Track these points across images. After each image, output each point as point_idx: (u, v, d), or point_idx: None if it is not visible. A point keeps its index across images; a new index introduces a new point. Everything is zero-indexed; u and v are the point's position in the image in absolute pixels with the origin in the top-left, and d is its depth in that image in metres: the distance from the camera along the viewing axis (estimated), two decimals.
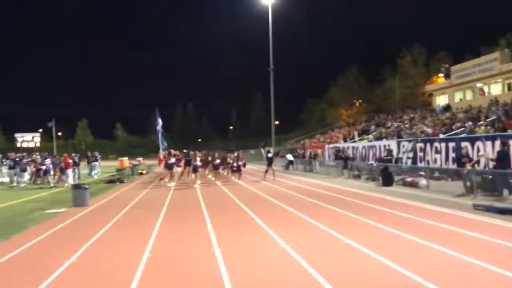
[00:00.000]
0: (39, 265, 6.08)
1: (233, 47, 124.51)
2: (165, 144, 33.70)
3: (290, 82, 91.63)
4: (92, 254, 6.69)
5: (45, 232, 8.53)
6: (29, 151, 61.66)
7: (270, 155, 22.21)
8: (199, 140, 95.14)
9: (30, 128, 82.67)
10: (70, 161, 21.80)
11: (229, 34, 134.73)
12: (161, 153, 30.84)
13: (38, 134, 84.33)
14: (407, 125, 27.80)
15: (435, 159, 18.79)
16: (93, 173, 28.13)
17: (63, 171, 20.89)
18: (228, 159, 22.73)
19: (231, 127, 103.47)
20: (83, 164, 29.06)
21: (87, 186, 13.09)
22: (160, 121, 33.18)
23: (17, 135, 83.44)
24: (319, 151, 32.28)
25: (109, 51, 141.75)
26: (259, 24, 47.88)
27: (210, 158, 22.84)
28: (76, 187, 13.10)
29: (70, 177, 21.09)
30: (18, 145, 79.44)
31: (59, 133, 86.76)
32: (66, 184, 19.81)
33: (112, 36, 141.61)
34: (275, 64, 41.41)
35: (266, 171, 21.20)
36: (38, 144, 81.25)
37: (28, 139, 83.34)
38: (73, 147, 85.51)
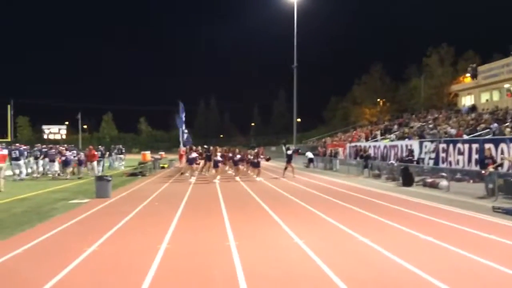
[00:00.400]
0: (62, 252, 6.34)
1: (257, 44, 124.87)
2: (187, 138, 32.33)
3: (314, 80, 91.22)
4: (113, 243, 6.93)
5: (69, 221, 8.84)
6: (55, 143, 63.29)
7: (289, 152, 22.23)
8: (221, 136, 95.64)
9: (56, 121, 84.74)
10: (97, 153, 22.33)
11: (254, 31, 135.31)
12: (182, 148, 30.27)
13: (64, 127, 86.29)
14: (430, 125, 27.39)
15: (458, 161, 18.50)
16: (117, 164, 29.09)
17: (81, 162, 21.46)
18: (249, 155, 22.88)
19: (252, 124, 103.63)
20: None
21: (110, 179, 13.43)
22: (183, 116, 32.07)
23: (44, 127, 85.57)
24: (340, 149, 32.12)
25: (135, 47, 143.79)
26: (284, 22, 47.98)
27: (230, 154, 23.04)
28: (99, 179, 13.44)
29: (95, 168, 21.51)
30: (45, 136, 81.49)
31: (85, 126, 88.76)
32: (91, 175, 20.33)
33: (138, 33, 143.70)
34: (298, 62, 41.41)
35: (285, 168, 21.26)
36: (64, 136, 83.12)
37: (55, 131, 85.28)
38: (98, 140, 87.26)
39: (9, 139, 51.60)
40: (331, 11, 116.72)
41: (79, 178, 20.07)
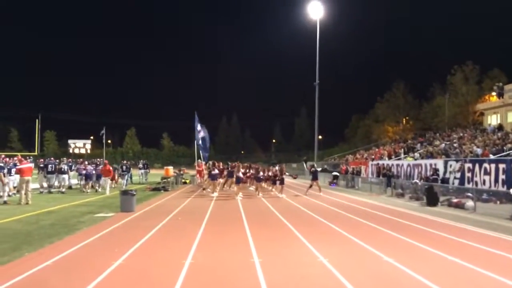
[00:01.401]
0: (90, 264, 6.48)
1: (279, 61, 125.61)
2: (205, 153, 30.20)
3: (335, 97, 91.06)
4: (139, 257, 7.04)
5: (95, 235, 9.02)
6: (80, 157, 64.60)
7: (314, 169, 22.23)
8: (242, 152, 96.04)
9: (81, 135, 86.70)
10: (123, 166, 22.57)
11: (276, 48, 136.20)
12: (200, 163, 28.26)
13: (89, 141, 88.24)
14: (455, 144, 26.94)
15: (484, 181, 18.11)
16: (144, 179, 30.40)
17: (99, 176, 21.66)
18: (270, 172, 22.88)
19: (274, 141, 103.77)
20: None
21: (134, 193, 13.65)
22: (199, 127, 29.39)
23: (70, 141, 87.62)
24: (362, 167, 31.83)
25: (159, 62, 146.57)
26: (306, 39, 48.33)
27: (252, 171, 23.11)
28: (124, 193, 13.67)
29: (107, 184, 20.91)
30: (70, 151, 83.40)
31: (109, 141, 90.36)
32: (101, 191, 20.50)
33: (162, 48, 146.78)
34: (320, 79, 41.51)
35: (310, 186, 21.23)
36: (88, 151, 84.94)
37: (80, 146, 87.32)
38: (121, 154, 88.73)
39: (36, 153, 52.96)
40: (354, 28, 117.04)
41: (96, 192, 20.44)
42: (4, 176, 15.35)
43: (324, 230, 10.05)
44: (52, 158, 24.01)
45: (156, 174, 34.75)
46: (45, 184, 20.16)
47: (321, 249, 7.55)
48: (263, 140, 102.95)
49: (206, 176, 24.09)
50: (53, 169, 19.99)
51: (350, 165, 34.04)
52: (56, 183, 20.71)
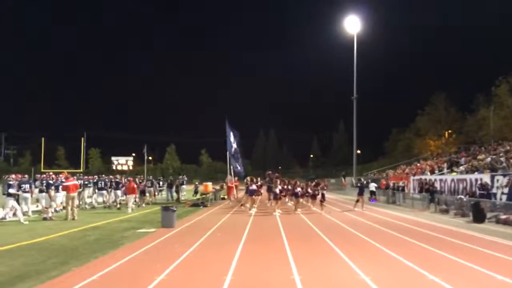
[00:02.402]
0: (134, 279, 6.66)
1: (318, 75, 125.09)
2: (240, 167, 27.75)
3: (374, 111, 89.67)
4: (180, 272, 7.16)
5: (138, 250, 9.25)
6: (123, 173, 66.42)
7: (360, 184, 22.08)
8: (279, 167, 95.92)
9: (124, 152, 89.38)
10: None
11: (314, 62, 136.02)
12: (231, 180, 26.63)
13: (131, 158, 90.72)
14: (502, 158, 25.86)
15: None
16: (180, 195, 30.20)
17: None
18: (309, 188, 22.72)
19: (311, 156, 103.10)
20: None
21: (175, 209, 13.92)
22: (232, 137, 26.52)
23: (113, 158, 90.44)
24: (403, 182, 31.02)
25: (194, 79, 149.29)
26: (344, 53, 48.08)
27: (290, 186, 23.02)
28: (165, 209, 13.96)
29: (130, 202, 19.93)
30: (114, 167, 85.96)
31: (150, 157, 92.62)
32: (123, 209, 20.03)
33: (199, 61, 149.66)
34: (359, 93, 41.16)
35: (357, 200, 21.26)
36: (131, 167, 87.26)
37: (122, 162, 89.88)
38: (161, 171, 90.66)
39: (81, 170, 54.95)
40: (393, 40, 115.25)
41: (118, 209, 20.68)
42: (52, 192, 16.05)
43: (366, 247, 9.85)
44: (103, 175, 24.81)
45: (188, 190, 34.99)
46: (100, 199, 20.87)
47: (363, 267, 7.41)
48: (301, 155, 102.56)
49: (239, 192, 23.96)
50: (103, 186, 20.71)
51: (391, 180, 33.27)
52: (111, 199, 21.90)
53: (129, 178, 22.51)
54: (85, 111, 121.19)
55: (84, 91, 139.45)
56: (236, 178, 26.15)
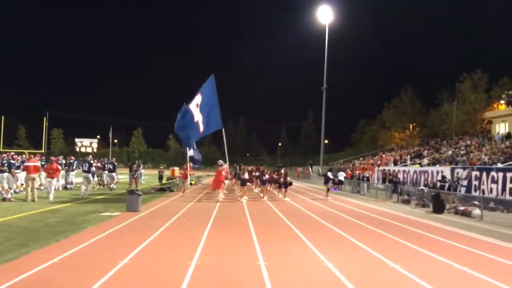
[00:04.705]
0: (96, 263, 6.49)
1: (288, 65, 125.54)
2: (196, 154, 23.51)
3: (342, 102, 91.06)
4: (145, 257, 7.04)
5: (101, 233, 9.04)
6: (86, 155, 64.81)
7: (329, 174, 22.41)
8: (247, 155, 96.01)
9: (88, 134, 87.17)
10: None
11: (285, 52, 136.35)
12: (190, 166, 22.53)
13: (95, 140, 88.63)
14: (462, 152, 26.79)
15: (491, 189, 17.98)
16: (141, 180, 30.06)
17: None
18: (281, 178, 22.79)
19: (280, 144, 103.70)
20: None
21: (140, 193, 13.69)
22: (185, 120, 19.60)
23: (76, 140, 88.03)
24: (369, 173, 31.71)
25: (166, 64, 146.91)
26: (315, 43, 48.32)
27: (258, 173, 23.08)
28: (131, 193, 13.71)
29: (52, 187, 16.45)
30: (77, 149, 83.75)
31: (115, 140, 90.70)
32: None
33: (172, 48, 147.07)
34: (328, 83, 41.54)
35: (328, 189, 21.74)
36: (95, 150, 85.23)
37: (86, 144, 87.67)
38: (127, 154, 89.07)
39: (43, 151, 53.25)
40: (362, 34, 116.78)
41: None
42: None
43: (330, 234, 10.00)
44: (90, 157, 23.86)
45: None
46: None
47: (327, 254, 7.52)
48: (269, 143, 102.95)
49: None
50: (87, 168, 18.77)
51: (356, 170, 33.93)
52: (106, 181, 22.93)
53: (52, 158, 18.73)
54: (48, 90, 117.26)
55: (48, 70, 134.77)
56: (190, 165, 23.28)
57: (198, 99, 20.23)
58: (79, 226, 10.09)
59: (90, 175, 18.78)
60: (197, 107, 20.05)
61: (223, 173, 19.11)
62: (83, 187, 17.94)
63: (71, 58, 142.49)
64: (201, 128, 20.43)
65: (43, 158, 19.70)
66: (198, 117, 20.09)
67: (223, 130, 20.61)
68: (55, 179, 16.99)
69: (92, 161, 20.82)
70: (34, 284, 5.43)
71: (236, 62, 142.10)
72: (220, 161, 20.67)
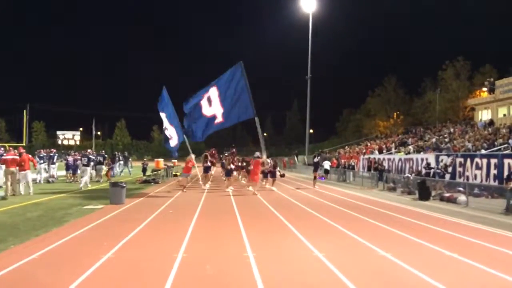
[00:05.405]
0: (78, 258, 6.26)
1: (272, 54, 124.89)
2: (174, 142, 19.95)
3: (327, 92, 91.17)
4: (129, 250, 6.83)
5: (84, 227, 8.79)
6: (69, 148, 63.83)
7: (316, 160, 22.41)
8: (233, 145, 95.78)
9: (71, 126, 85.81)
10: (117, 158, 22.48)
11: (268, 41, 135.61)
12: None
13: (78, 133, 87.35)
14: (446, 139, 27.03)
15: (475, 175, 18.14)
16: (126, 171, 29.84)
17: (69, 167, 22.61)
18: (240, 163, 22.97)
19: (265, 134, 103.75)
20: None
21: (124, 185, 13.40)
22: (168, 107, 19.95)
23: (58, 132, 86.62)
24: (354, 161, 31.82)
25: (150, 57, 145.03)
26: (299, 32, 48.12)
27: (244, 164, 22.92)
28: (114, 185, 13.41)
29: (28, 181, 15.77)
30: (59, 142, 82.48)
31: (98, 133, 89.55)
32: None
33: (153, 43, 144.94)
34: (313, 73, 41.39)
35: (314, 177, 21.74)
36: (78, 142, 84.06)
37: (69, 137, 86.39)
38: (111, 146, 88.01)
39: (24, 144, 52.19)
40: (346, 23, 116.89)
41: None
42: None
43: (318, 224, 9.91)
44: (89, 151, 23.65)
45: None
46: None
47: (316, 244, 7.41)
48: (255, 133, 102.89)
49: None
50: (86, 162, 19.34)
51: (342, 159, 34.02)
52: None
53: (20, 149, 16.95)
54: (29, 82, 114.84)
55: (29, 61, 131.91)
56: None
57: (212, 91, 18.82)
58: (61, 219, 9.81)
59: (88, 169, 19.56)
60: (209, 100, 18.69)
61: (261, 166, 18.25)
62: (84, 179, 18.75)
63: (51, 48, 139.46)
64: (219, 119, 18.73)
65: (23, 151, 18.65)
66: (211, 110, 18.69)
67: (256, 119, 19.03)
68: (28, 171, 15.73)
69: (91, 156, 21.00)
70: (12, 281, 5.18)
71: (221, 52, 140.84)
72: (257, 153, 19.75)
